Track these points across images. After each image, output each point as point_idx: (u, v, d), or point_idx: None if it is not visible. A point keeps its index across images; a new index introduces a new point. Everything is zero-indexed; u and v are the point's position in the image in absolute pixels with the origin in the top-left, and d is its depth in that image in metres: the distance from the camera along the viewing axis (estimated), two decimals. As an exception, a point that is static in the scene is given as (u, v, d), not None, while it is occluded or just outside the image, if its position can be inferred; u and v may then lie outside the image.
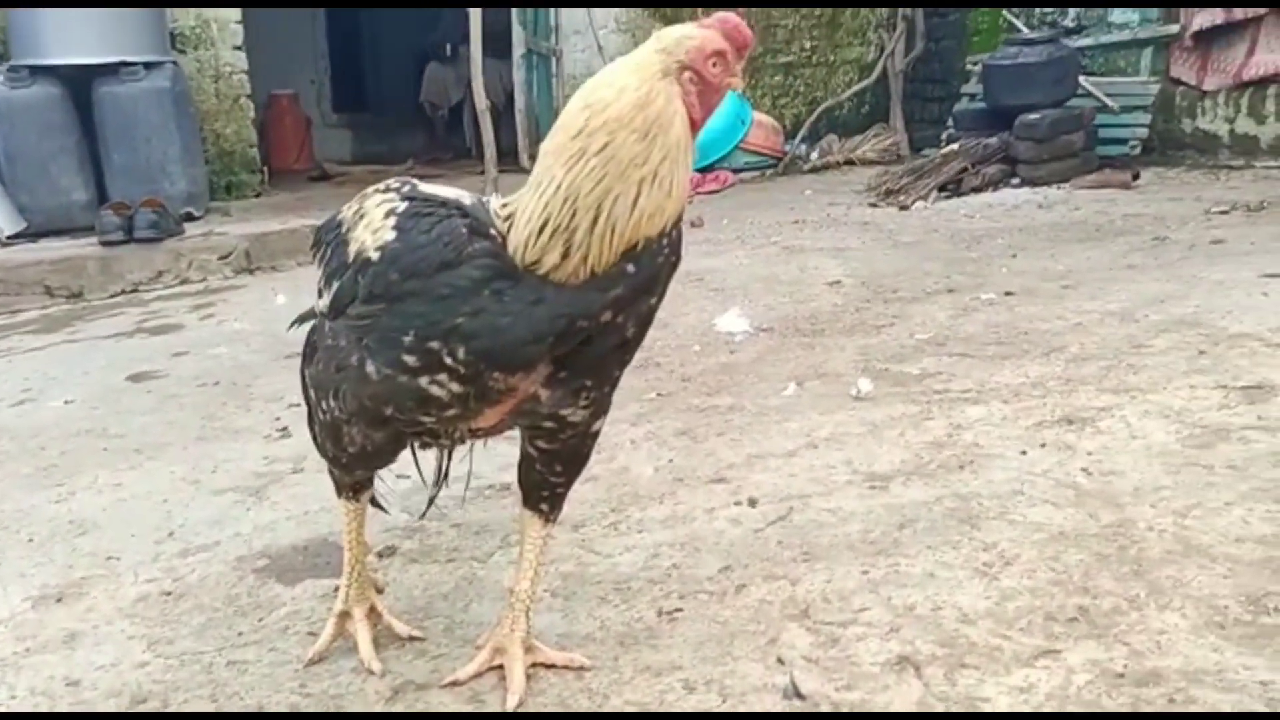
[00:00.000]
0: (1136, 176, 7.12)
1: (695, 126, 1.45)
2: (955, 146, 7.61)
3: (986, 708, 1.59)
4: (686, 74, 1.44)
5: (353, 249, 1.55)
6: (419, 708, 1.70)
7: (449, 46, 11.80)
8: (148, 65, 6.55)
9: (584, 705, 1.68)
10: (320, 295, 1.65)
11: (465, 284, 1.43)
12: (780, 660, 1.60)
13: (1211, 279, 4.21)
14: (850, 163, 9.12)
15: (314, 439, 1.83)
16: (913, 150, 9.30)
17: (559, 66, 9.18)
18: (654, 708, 1.65)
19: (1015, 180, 7.29)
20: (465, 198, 1.55)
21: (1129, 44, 8.20)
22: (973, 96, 8.63)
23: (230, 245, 5.85)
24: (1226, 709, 1.54)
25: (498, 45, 9.91)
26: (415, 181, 1.64)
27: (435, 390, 1.48)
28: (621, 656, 1.81)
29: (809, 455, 2.68)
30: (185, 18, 7.87)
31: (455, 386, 1.47)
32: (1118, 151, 7.64)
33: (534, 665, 1.75)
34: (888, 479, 2.48)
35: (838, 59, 10.02)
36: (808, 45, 9.93)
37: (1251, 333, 3.43)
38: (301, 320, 1.90)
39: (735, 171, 8.59)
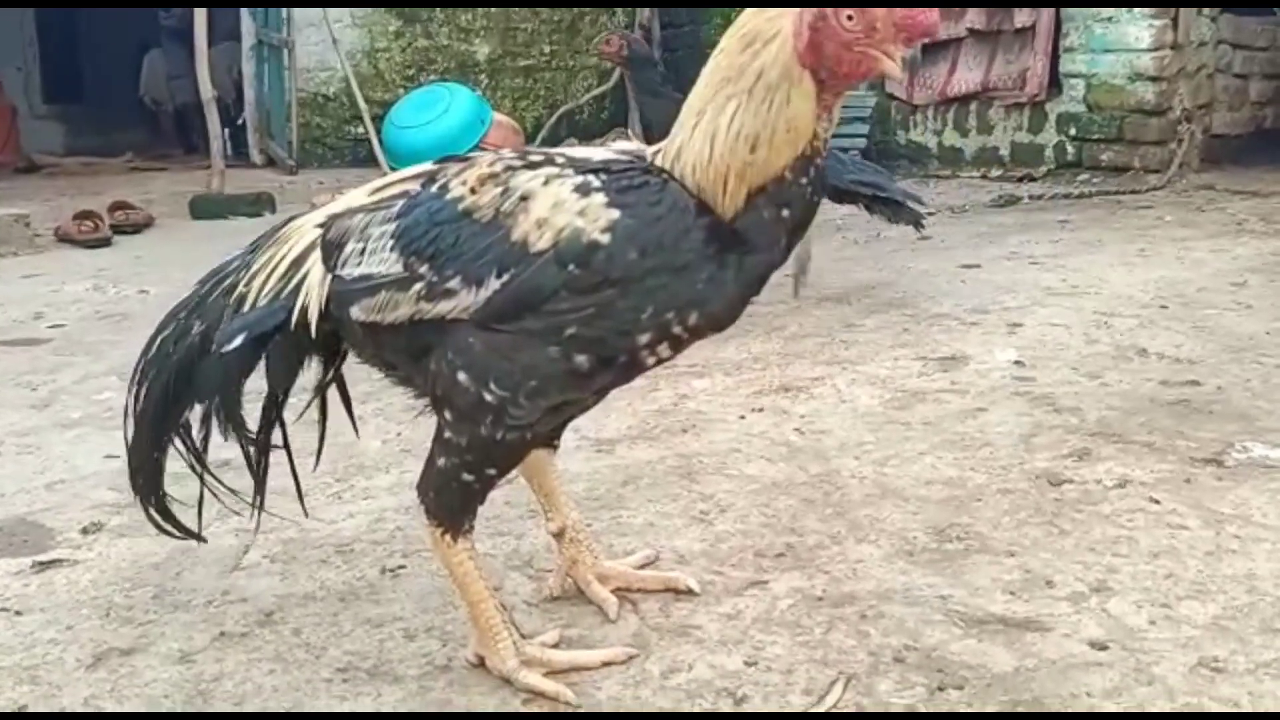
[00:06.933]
0: (856, 182, 7.58)
1: (802, 63, 1.35)
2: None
3: (698, 634, 1.66)
4: (814, 10, 1.34)
5: (539, 236, 1.36)
6: (123, 673, 1.61)
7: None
8: None
9: (301, 658, 1.64)
10: (429, 301, 1.42)
11: (698, 249, 1.36)
12: (503, 606, 1.62)
13: (918, 269, 4.55)
14: (590, 165, 9.25)
15: (444, 485, 1.51)
16: (651, 154, 9.57)
17: (292, 59, 8.84)
18: (373, 656, 1.64)
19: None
20: (618, 155, 1.45)
21: (848, 60, 8.73)
22: (707, 104, 8.95)
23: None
24: (911, 622, 1.68)
25: (229, 32, 9.48)
26: (538, 151, 1.47)
27: (649, 360, 1.42)
28: (341, 612, 1.78)
29: (540, 424, 2.71)
30: None
31: (666, 353, 1.42)
32: (839, 159, 8.10)
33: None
34: (614, 443, 2.55)
35: (577, 64, 10.17)
36: (547, 50, 10.04)
37: (949, 313, 3.74)
38: (247, 330, 1.53)
39: (477, 171, 8.55)
